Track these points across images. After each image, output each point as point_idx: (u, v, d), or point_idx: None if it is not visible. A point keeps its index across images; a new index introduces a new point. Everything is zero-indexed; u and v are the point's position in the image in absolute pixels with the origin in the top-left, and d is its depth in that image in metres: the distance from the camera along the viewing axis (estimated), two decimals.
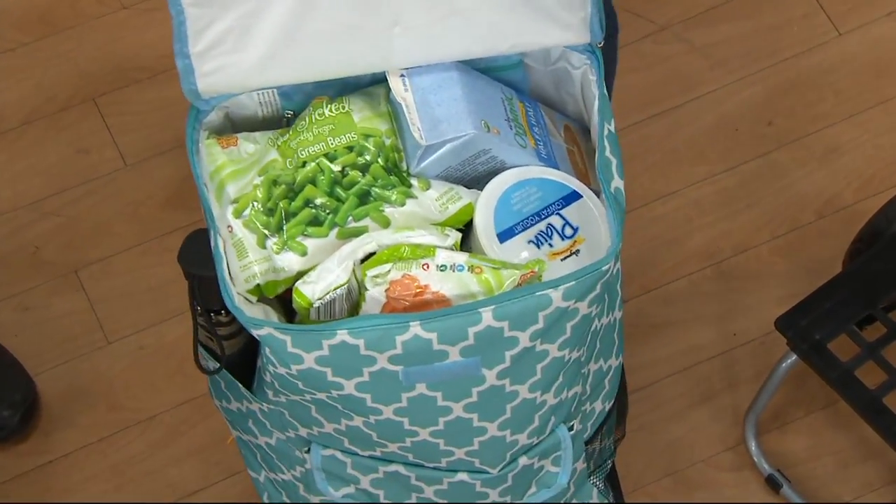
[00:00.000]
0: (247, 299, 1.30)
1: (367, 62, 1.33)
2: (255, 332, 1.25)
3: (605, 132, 1.34)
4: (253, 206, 1.31)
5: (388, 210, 1.31)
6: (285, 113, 1.39)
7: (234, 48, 1.30)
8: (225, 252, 1.30)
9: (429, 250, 1.27)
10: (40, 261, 2.15)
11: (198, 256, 1.32)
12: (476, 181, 1.36)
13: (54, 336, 2.10)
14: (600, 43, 1.37)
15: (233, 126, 1.39)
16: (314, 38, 1.30)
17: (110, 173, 2.21)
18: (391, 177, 1.32)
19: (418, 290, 1.26)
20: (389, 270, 1.26)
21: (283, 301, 1.34)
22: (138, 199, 2.19)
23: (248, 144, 1.34)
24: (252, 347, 1.40)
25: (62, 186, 2.20)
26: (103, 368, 2.07)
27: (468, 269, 1.26)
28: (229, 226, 1.31)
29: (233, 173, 1.32)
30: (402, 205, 1.31)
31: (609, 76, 1.79)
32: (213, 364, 1.41)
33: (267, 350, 1.28)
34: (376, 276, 1.26)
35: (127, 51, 2.30)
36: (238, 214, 1.31)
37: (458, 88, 1.33)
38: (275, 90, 1.36)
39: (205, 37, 1.29)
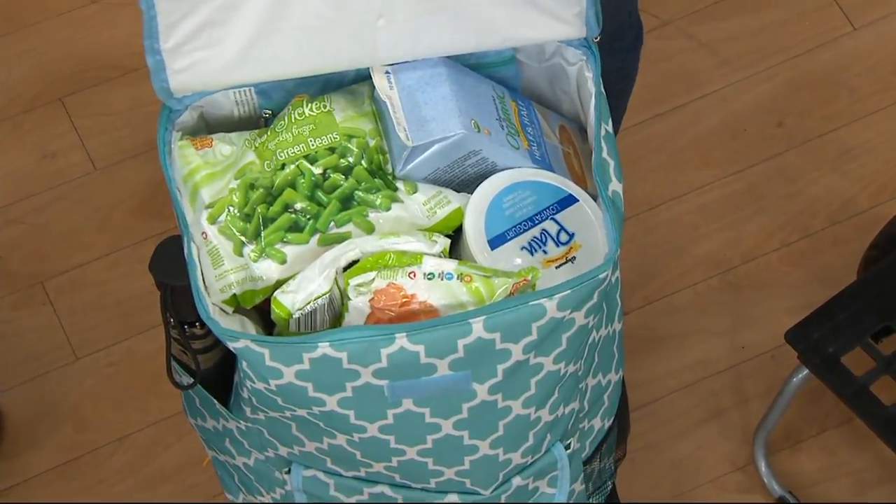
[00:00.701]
0: (222, 310, 1.31)
1: (350, 58, 1.33)
2: (232, 345, 1.26)
3: (603, 132, 1.35)
4: (229, 211, 1.31)
5: (373, 215, 1.32)
6: (263, 112, 1.39)
7: (208, 43, 1.31)
8: (199, 260, 1.31)
9: (415, 258, 1.28)
10: (4, 271, 2.15)
11: (170, 265, 1.33)
12: (466, 184, 1.36)
13: (18, 352, 2.10)
14: (596, 38, 1.37)
15: (207, 127, 1.39)
16: (293, 32, 1.31)
17: (79, 178, 2.22)
18: (375, 180, 1.32)
19: (404, 300, 1.26)
20: (374, 279, 1.26)
21: (261, 312, 1.34)
22: (109, 205, 2.20)
23: (223, 146, 1.35)
24: (229, 361, 1.40)
25: (28, 192, 2.21)
26: (71, 386, 2.08)
27: (457, 278, 1.26)
28: (204, 232, 1.32)
29: (207, 176, 1.33)
30: (388, 209, 1.32)
31: (626, 90, 1.80)
32: (187, 379, 1.41)
33: (244, 364, 1.28)
34: (360, 285, 1.27)
35: (96, 48, 2.30)
36: (213, 220, 1.32)
37: (446, 86, 1.34)
38: (252, 88, 1.37)
39: (177, 32, 1.29)
